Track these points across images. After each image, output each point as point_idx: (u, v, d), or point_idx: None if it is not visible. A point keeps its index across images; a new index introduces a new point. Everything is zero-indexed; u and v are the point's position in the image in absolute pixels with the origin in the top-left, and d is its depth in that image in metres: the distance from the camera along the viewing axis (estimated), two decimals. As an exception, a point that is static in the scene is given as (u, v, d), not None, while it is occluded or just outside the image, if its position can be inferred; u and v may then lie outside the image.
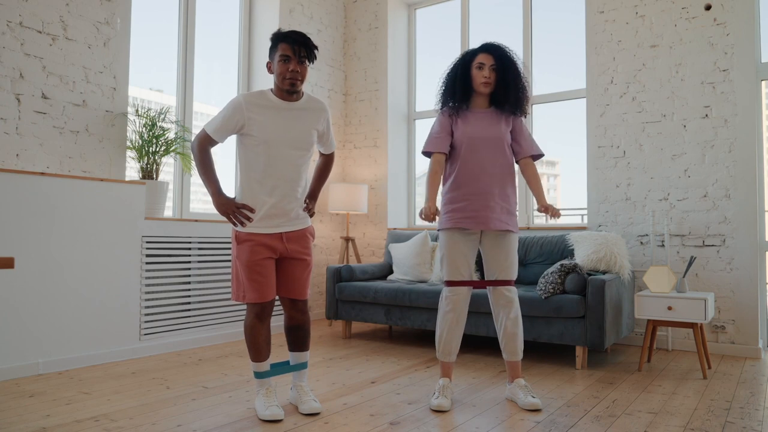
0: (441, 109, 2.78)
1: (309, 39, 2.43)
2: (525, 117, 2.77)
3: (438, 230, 2.74)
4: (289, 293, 2.51)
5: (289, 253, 2.48)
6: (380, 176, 5.40)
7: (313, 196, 2.66)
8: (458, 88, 2.69)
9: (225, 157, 4.80)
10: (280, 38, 2.42)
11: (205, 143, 2.47)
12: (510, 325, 2.66)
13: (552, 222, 4.95)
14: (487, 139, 2.65)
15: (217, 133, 2.44)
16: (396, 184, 5.45)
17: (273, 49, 2.45)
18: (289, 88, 2.41)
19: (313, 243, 2.59)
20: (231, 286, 2.52)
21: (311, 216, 2.60)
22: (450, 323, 2.65)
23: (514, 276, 2.69)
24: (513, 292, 2.67)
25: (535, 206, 4.92)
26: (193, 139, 2.51)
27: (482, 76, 2.65)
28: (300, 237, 2.50)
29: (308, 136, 2.49)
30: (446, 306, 2.66)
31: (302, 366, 2.58)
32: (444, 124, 2.72)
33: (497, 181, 2.65)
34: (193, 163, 3.93)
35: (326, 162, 2.75)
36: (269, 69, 2.49)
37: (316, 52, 2.46)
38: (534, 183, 2.72)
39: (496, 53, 2.67)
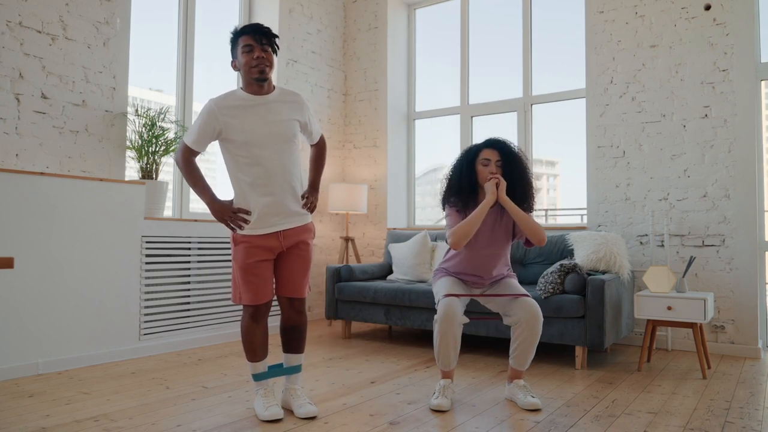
0: (448, 201, 2.75)
1: (268, 27, 2.41)
2: (531, 211, 2.73)
3: (433, 283, 2.85)
4: (286, 291, 2.48)
5: (285, 248, 2.45)
6: (380, 176, 5.40)
7: (313, 187, 2.61)
8: (464, 184, 2.69)
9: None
10: (238, 33, 2.40)
11: (187, 155, 2.43)
12: (530, 340, 2.62)
13: (552, 222, 4.95)
14: (489, 248, 2.70)
15: (196, 144, 2.41)
16: (396, 184, 5.45)
17: (234, 46, 2.42)
18: (258, 76, 2.35)
19: (312, 240, 2.55)
20: (231, 288, 2.50)
21: (312, 210, 2.55)
22: (446, 338, 2.58)
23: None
24: (539, 308, 2.63)
25: (535, 207, 4.92)
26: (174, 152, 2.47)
27: (488, 171, 2.65)
28: (298, 233, 2.47)
29: (289, 128, 2.43)
30: (441, 320, 2.58)
31: (296, 369, 2.54)
32: (456, 216, 2.68)
33: (494, 272, 2.76)
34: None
35: (318, 151, 2.70)
36: (234, 67, 2.45)
37: (277, 40, 2.43)
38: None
39: (502, 149, 2.68)
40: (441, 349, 2.61)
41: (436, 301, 2.70)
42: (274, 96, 2.44)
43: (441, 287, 2.70)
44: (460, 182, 2.70)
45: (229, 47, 2.47)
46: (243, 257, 2.39)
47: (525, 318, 2.59)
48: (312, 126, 2.59)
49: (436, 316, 2.61)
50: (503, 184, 2.61)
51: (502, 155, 2.67)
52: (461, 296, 2.64)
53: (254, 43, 2.36)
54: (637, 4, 4.17)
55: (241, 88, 2.45)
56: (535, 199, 2.73)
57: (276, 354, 3.73)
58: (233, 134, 2.37)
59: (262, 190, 2.39)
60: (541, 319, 2.62)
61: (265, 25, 2.44)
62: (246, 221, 2.38)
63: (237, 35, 2.41)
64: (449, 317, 2.56)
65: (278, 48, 2.45)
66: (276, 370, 2.54)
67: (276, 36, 2.42)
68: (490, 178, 2.62)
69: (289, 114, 2.45)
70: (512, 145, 2.71)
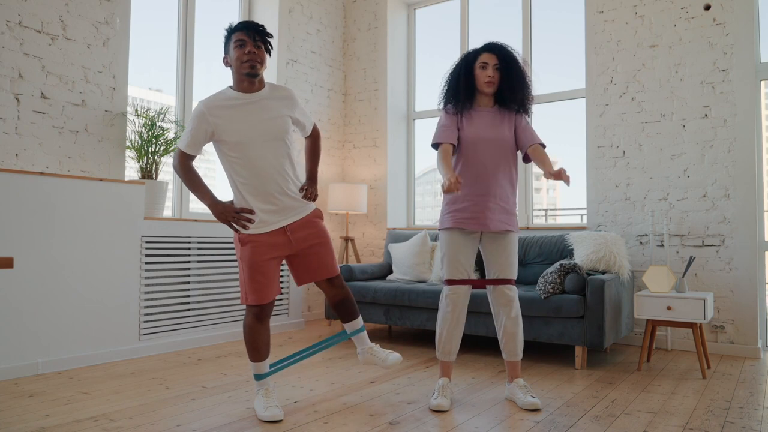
0: (444, 107, 2.77)
1: (263, 25, 2.40)
2: (529, 116, 2.77)
3: (438, 230, 2.74)
4: (322, 275, 2.53)
5: (297, 244, 2.46)
6: (380, 176, 5.40)
7: (311, 178, 2.62)
8: (461, 87, 2.68)
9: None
10: (233, 29, 2.40)
11: (183, 160, 2.43)
12: (510, 325, 2.67)
13: (551, 222, 4.95)
14: (489, 140, 2.65)
15: (190, 148, 2.41)
16: (395, 183, 5.45)
17: (227, 42, 2.41)
18: (249, 71, 2.34)
19: (322, 221, 2.56)
20: (240, 290, 2.52)
21: (314, 200, 2.55)
22: (450, 322, 2.66)
23: (514, 275, 2.69)
24: (513, 291, 2.68)
25: (535, 206, 4.92)
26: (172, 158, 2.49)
27: (486, 75, 2.64)
28: (305, 224, 2.48)
29: (281, 125, 2.42)
30: (446, 305, 2.67)
31: (361, 330, 2.68)
32: (450, 120, 2.70)
33: (498, 182, 2.66)
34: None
35: (313, 142, 2.70)
36: (226, 63, 2.44)
37: (270, 40, 2.43)
38: (544, 159, 2.63)
39: (500, 52, 2.66)
40: (444, 335, 2.66)
41: (441, 267, 2.72)
42: (264, 93, 2.43)
43: (446, 262, 2.68)
44: (457, 85, 2.70)
45: (223, 44, 2.46)
46: (251, 256, 2.39)
47: (501, 303, 2.67)
48: (304, 119, 2.59)
49: (441, 299, 2.70)
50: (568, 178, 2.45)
51: (500, 59, 2.65)
52: (466, 282, 2.66)
53: (247, 39, 2.35)
54: (636, 4, 4.17)
55: (231, 87, 2.43)
56: (532, 103, 2.73)
57: (276, 353, 3.73)
58: (226, 135, 2.37)
59: (259, 190, 2.39)
60: (516, 303, 2.67)
61: (264, 24, 2.44)
62: (250, 220, 2.38)
63: (231, 31, 2.40)
64: (454, 303, 2.65)
65: (272, 47, 2.44)
66: (337, 338, 2.71)
67: (270, 35, 2.42)
68: (450, 185, 2.43)
69: (281, 110, 2.44)
70: (511, 49, 2.69)
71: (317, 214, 2.55)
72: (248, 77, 2.37)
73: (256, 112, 2.39)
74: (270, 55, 2.45)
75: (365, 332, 2.70)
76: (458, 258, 2.66)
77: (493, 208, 2.64)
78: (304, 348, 2.69)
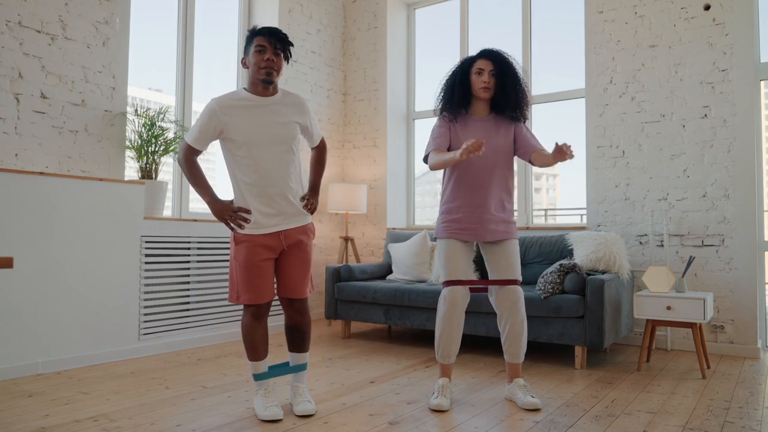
0: (440, 114, 2.77)
1: (285, 34, 2.43)
2: (525, 121, 2.77)
3: (435, 238, 2.75)
4: (287, 292, 2.50)
5: (285, 248, 2.47)
6: (379, 176, 5.40)
7: (313, 189, 2.63)
8: (457, 93, 2.69)
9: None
10: (255, 33, 2.42)
11: (189, 154, 2.45)
12: (515, 328, 2.65)
13: (551, 222, 4.95)
14: (486, 156, 2.66)
15: (197, 142, 2.43)
16: (395, 183, 5.45)
17: (248, 44, 2.44)
18: (265, 77, 2.38)
19: (312, 240, 2.56)
20: (228, 288, 2.51)
21: (313, 211, 2.56)
22: (449, 325, 2.65)
23: (518, 276, 2.69)
24: (519, 293, 2.66)
25: (535, 206, 4.92)
26: (177, 151, 2.49)
27: (481, 81, 2.65)
28: (298, 233, 2.48)
29: (289, 130, 2.44)
30: (445, 307, 2.65)
31: (300, 368, 2.57)
32: (444, 129, 2.72)
33: (494, 192, 2.67)
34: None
35: (319, 153, 2.72)
36: (244, 64, 2.47)
37: (291, 48, 2.46)
38: (544, 154, 2.61)
39: (496, 59, 2.67)
40: (444, 337, 2.65)
41: (439, 273, 2.71)
42: (276, 98, 2.46)
43: (443, 265, 2.68)
44: (453, 91, 2.71)
45: (234, 45, 2.48)
46: (245, 256, 2.39)
47: (506, 305, 2.65)
48: (312, 129, 2.61)
49: (440, 301, 2.67)
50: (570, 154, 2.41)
51: (495, 65, 2.66)
52: (464, 283, 2.66)
53: (268, 45, 2.38)
54: (636, 4, 4.17)
55: (245, 88, 2.47)
56: (528, 108, 2.74)
57: (275, 353, 3.73)
58: (233, 134, 2.39)
59: (260, 191, 2.40)
60: (522, 305, 2.65)
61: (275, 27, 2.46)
62: (247, 220, 2.39)
63: (253, 34, 2.43)
64: (453, 305, 2.63)
65: (290, 55, 2.47)
66: (280, 369, 2.55)
67: (291, 44, 2.45)
68: (473, 142, 2.34)
69: (290, 116, 2.47)
70: (507, 55, 2.70)
71: (311, 228, 2.55)
72: (263, 83, 2.41)
73: (266, 115, 2.42)
74: (288, 63, 2.47)
75: (306, 371, 2.60)
76: (456, 260, 2.66)
77: (489, 219, 2.65)
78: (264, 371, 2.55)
